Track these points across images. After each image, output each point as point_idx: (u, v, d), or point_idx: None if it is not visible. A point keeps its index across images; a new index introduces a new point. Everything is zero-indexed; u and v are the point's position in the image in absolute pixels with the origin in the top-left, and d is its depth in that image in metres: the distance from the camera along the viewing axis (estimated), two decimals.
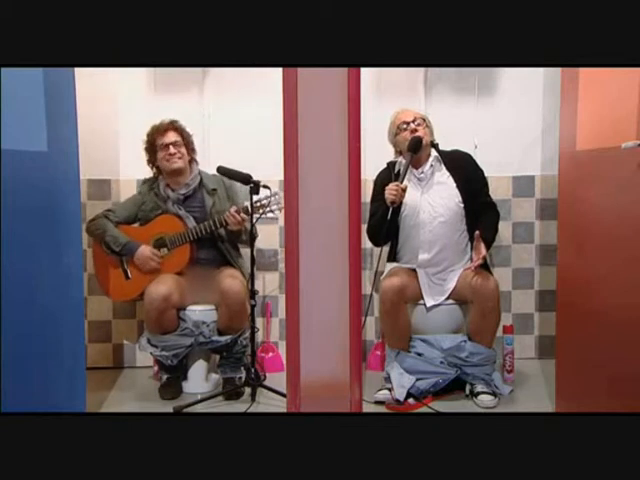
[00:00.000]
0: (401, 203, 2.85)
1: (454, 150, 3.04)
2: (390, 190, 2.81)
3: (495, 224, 2.99)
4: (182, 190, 3.08)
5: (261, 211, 2.82)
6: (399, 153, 3.01)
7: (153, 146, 3.07)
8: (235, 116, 3.35)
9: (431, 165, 2.93)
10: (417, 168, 2.94)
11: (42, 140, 2.26)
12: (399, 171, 2.93)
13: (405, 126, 2.91)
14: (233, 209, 2.89)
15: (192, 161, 3.13)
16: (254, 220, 2.78)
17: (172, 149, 3.02)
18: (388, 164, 3.05)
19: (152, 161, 3.12)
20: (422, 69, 3.38)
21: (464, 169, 2.95)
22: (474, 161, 3.03)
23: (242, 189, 3.01)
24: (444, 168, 2.94)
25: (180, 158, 3.04)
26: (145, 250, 3.02)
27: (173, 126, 3.07)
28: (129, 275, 3.08)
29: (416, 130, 2.89)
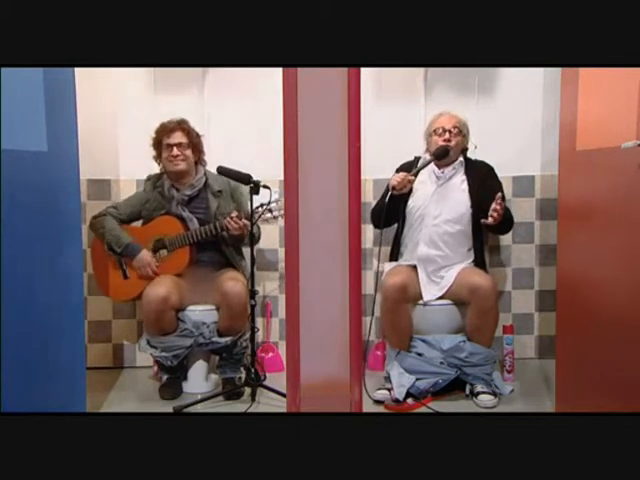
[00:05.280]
0: (409, 193, 2.94)
1: (479, 160, 3.12)
2: (396, 177, 2.89)
3: (509, 215, 3.00)
4: (187, 191, 3.06)
5: (263, 215, 2.81)
6: (428, 151, 3.06)
7: (159, 144, 3.05)
8: (235, 116, 3.34)
9: (453, 168, 3.00)
10: (440, 168, 3.01)
11: (42, 140, 2.26)
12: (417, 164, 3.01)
13: (441, 131, 2.98)
14: (234, 214, 2.87)
15: (198, 162, 3.10)
16: (255, 220, 2.78)
17: (175, 151, 3.00)
18: (415, 157, 3.10)
19: (158, 158, 3.09)
20: (422, 69, 3.38)
21: (481, 177, 3.01)
22: (495, 174, 3.09)
23: (247, 191, 2.89)
24: (464, 174, 3.01)
25: (183, 160, 3.01)
26: (146, 255, 3.01)
27: (180, 126, 3.03)
28: (127, 275, 3.07)
29: (449, 140, 2.95)
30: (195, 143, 3.07)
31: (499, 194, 2.78)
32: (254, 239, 2.91)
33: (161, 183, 3.09)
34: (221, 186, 3.08)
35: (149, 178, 3.15)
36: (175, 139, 3.01)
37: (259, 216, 2.80)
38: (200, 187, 3.08)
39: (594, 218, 2.31)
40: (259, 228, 3.06)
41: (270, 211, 2.83)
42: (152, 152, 3.10)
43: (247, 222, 2.82)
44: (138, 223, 3.16)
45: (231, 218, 2.88)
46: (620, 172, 2.15)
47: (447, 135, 2.96)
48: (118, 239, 3.02)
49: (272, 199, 2.79)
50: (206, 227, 2.96)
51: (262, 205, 2.80)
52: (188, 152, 3.03)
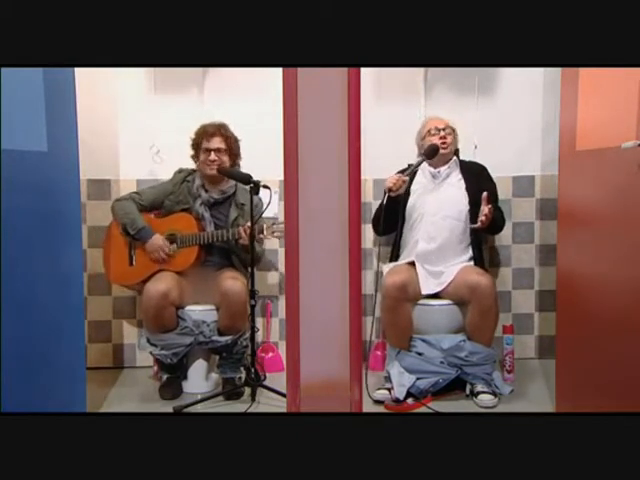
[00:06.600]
0: (407, 195, 2.99)
1: (472, 161, 3.18)
2: (391, 178, 2.90)
3: (501, 215, 3.04)
4: (215, 194, 3.08)
5: (265, 232, 2.87)
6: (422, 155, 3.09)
7: (198, 146, 3.07)
8: (235, 116, 3.34)
9: (448, 167, 3.05)
10: (435, 168, 3.06)
11: (42, 140, 2.27)
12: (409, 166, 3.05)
13: (435, 132, 3.03)
14: (247, 224, 2.88)
15: (233, 167, 3.09)
16: (255, 219, 2.78)
17: (213, 156, 3.02)
18: (408, 165, 3.12)
19: (196, 158, 3.12)
20: (422, 69, 3.38)
21: (477, 177, 3.06)
22: (488, 174, 3.13)
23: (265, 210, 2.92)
24: (459, 173, 3.05)
25: (220, 165, 3.03)
26: (158, 239, 3.02)
27: (220, 131, 3.04)
28: (133, 262, 3.09)
29: (445, 138, 3.01)
30: (232, 148, 3.08)
31: (485, 193, 2.81)
32: (257, 258, 2.96)
33: (192, 179, 3.11)
34: (246, 200, 3.04)
35: (180, 171, 3.16)
36: (214, 144, 3.03)
37: (259, 217, 2.80)
38: (229, 194, 3.11)
39: (594, 218, 2.31)
40: (263, 251, 3.16)
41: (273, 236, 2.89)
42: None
43: (259, 236, 2.85)
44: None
45: (243, 228, 2.89)
46: (620, 172, 2.15)
47: (442, 133, 3.01)
48: (133, 221, 3.02)
49: (272, 206, 2.83)
50: (219, 232, 2.98)
51: (274, 224, 2.85)
52: (225, 157, 3.05)
